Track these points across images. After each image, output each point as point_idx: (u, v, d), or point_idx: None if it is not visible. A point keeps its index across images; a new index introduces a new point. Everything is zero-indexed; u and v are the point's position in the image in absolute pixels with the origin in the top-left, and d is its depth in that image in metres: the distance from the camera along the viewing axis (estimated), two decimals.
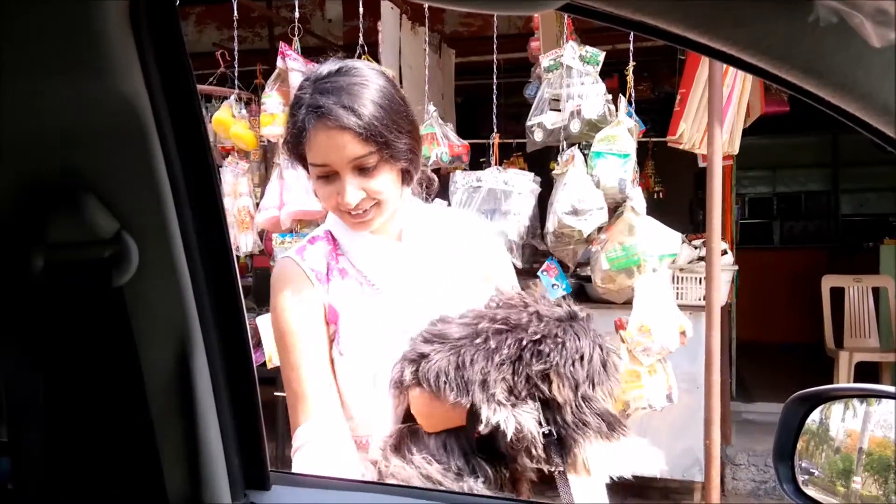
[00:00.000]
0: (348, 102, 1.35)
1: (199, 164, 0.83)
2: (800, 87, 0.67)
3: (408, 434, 1.36)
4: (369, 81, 1.39)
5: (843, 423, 1.03)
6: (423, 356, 1.32)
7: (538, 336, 1.27)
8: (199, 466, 0.80)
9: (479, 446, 1.33)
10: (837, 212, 9.88)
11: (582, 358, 1.27)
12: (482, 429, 1.26)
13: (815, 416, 1.03)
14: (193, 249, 0.82)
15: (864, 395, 1.03)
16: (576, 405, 1.25)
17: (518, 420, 1.25)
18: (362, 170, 1.39)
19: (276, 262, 1.58)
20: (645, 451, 1.36)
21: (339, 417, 1.44)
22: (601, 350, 1.30)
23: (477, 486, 1.29)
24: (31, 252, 0.75)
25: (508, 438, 1.25)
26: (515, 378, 1.26)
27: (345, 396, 1.45)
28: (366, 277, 1.50)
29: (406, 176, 1.48)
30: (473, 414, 1.27)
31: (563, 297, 3.42)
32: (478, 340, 1.29)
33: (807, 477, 1.01)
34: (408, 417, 1.39)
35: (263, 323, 3.37)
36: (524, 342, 1.26)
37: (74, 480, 0.83)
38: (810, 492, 1.00)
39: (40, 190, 0.76)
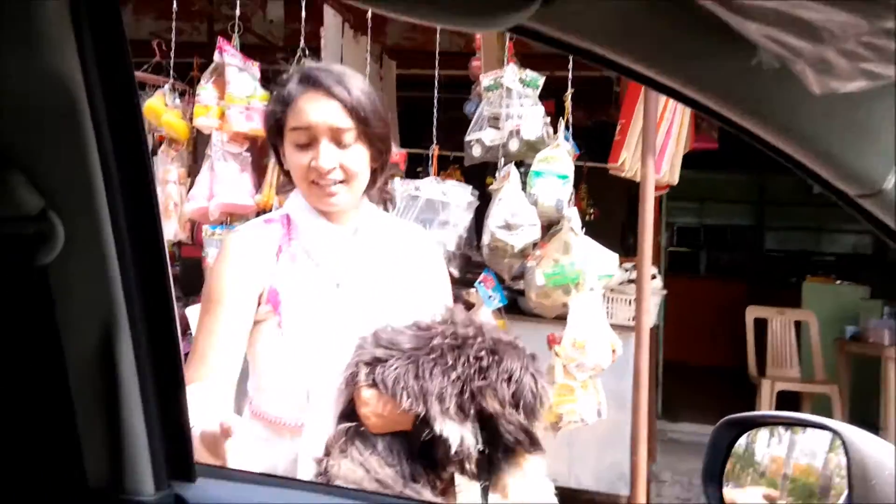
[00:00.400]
0: (338, 78, 1.48)
1: (132, 147, 0.81)
2: (741, 126, 0.68)
3: (355, 434, 1.35)
4: (356, 76, 1.54)
5: (769, 448, 1.06)
6: (380, 360, 1.35)
7: (482, 354, 1.34)
8: (122, 455, 0.78)
9: (418, 453, 1.35)
10: (762, 246, 10.25)
11: (513, 379, 1.34)
12: (426, 437, 1.30)
13: (742, 440, 1.06)
14: (123, 233, 0.79)
15: (791, 424, 1.06)
16: (506, 422, 1.32)
17: (462, 434, 1.30)
18: (339, 142, 1.47)
19: (228, 234, 1.61)
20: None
21: (230, 394, 1.47)
22: (531, 373, 1.37)
23: (425, 492, 1.32)
24: None
25: (452, 451, 1.30)
26: (464, 394, 1.32)
27: (281, 376, 1.47)
28: (318, 264, 1.52)
29: (374, 172, 1.56)
30: (424, 422, 1.31)
31: (499, 310, 3.44)
32: (433, 355, 1.33)
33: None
34: (348, 416, 1.39)
35: (192, 313, 3.29)
36: (471, 359, 1.33)
37: None
38: None
39: None
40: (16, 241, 0.74)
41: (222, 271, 1.50)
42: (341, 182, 1.48)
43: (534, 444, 1.35)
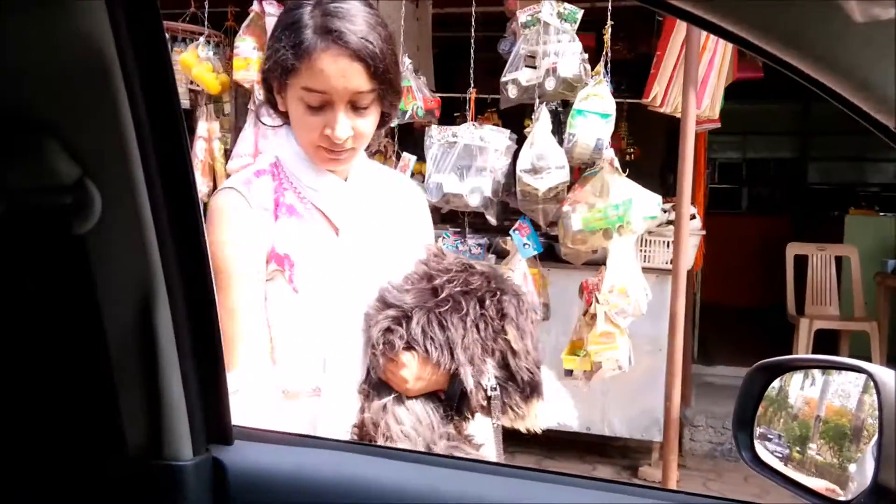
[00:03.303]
0: (363, 33, 1.31)
1: (164, 108, 0.80)
2: (779, 58, 0.66)
3: (394, 403, 1.33)
4: (376, 17, 1.36)
5: (802, 391, 1.05)
6: (402, 320, 1.32)
7: (496, 293, 1.34)
8: (161, 420, 0.79)
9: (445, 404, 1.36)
10: (805, 180, 10.01)
11: (526, 310, 1.37)
12: (459, 390, 1.31)
13: (775, 384, 1.05)
14: (159, 198, 0.79)
15: (825, 366, 1.04)
16: (526, 355, 1.34)
17: (487, 379, 1.32)
18: (356, 106, 1.35)
19: (217, 193, 1.44)
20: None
21: (268, 366, 1.37)
22: (527, 309, 1.38)
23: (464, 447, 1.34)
24: None
25: (479, 398, 1.32)
26: (485, 337, 1.32)
27: (299, 342, 1.37)
28: (319, 213, 1.43)
29: (383, 121, 1.45)
30: (455, 376, 1.31)
31: (535, 258, 3.43)
32: (447, 306, 1.32)
33: (764, 443, 1.03)
34: (374, 385, 1.36)
35: None
36: (486, 301, 1.33)
37: (32, 429, 0.82)
38: (767, 459, 1.02)
39: (1, 133, 0.73)
40: (54, 211, 0.74)
41: (225, 239, 1.36)
42: (351, 148, 1.38)
43: (538, 384, 1.36)
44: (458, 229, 3.78)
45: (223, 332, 1.39)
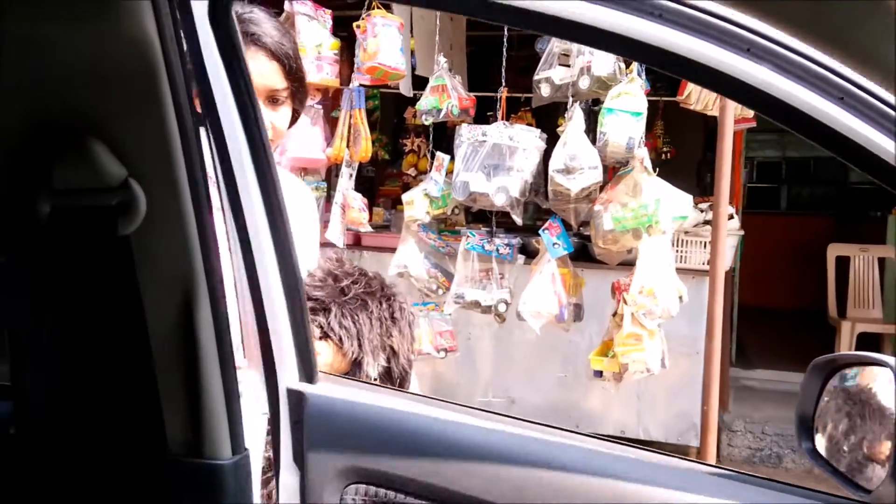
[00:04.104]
0: (277, 36, 1.43)
1: (210, 112, 0.82)
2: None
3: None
4: (281, 24, 1.50)
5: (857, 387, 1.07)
6: (325, 310, 1.44)
7: (389, 298, 1.51)
8: (201, 420, 0.80)
9: None
10: (846, 179, 9.81)
11: (407, 315, 1.53)
12: (365, 377, 1.46)
13: (835, 381, 1.07)
14: (201, 199, 0.81)
15: (878, 364, 1.06)
16: (404, 355, 1.51)
17: (378, 371, 1.48)
18: (273, 102, 1.45)
19: None
20: None
21: None
22: (409, 312, 1.56)
23: None
24: (40, 195, 0.75)
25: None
26: (381, 334, 1.48)
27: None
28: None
29: (293, 119, 1.55)
30: (358, 365, 1.45)
31: (565, 258, 3.40)
32: (355, 304, 1.46)
33: (823, 439, 1.05)
34: None
35: None
36: (382, 304, 1.50)
37: (76, 426, 0.83)
38: (823, 452, 1.04)
39: (49, 133, 0.75)
40: (100, 211, 0.76)
41: None
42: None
43: (407, 384, 1.52)
44: (488, 229, 3.77)
45: None
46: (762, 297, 6.69)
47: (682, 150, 5.46)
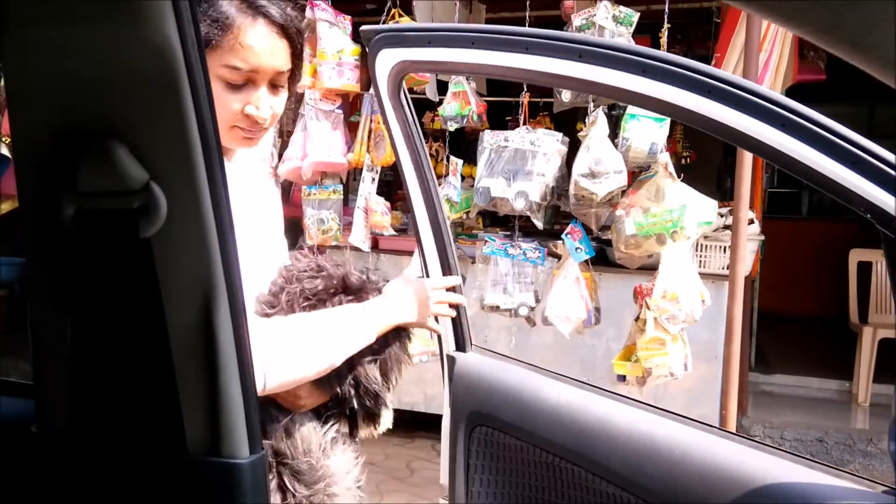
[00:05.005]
0: (286, 10, 1.28)
1: None
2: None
3: (292, 424, 1.33)
4: None
5: None
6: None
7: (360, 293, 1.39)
8: (219, 419, 0.81)
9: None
10: None
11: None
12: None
13: None
14: (221, 203, 0.81)
15: None
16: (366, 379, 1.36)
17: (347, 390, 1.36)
18: (274, 85, 1.31)
19: None
20: None
21: None
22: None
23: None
24: (63, 198, 0.76)
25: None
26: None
27: None
28: None
29: (287, 103, 1.44)
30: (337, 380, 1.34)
31: (587, 262, 3.40)
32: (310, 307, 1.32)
33: None
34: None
35: None
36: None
37: (97, 426, 0.84)
38: None
39: (72, 137, 0.76)
40: (122, 214, 0.77)
41: None
42: (265, 128, 1.33)
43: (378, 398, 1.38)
44: (506, 232, 3.78)
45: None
46: (783, 302, 6.63)
47: (702, 155, 5.44)
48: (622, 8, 3.34)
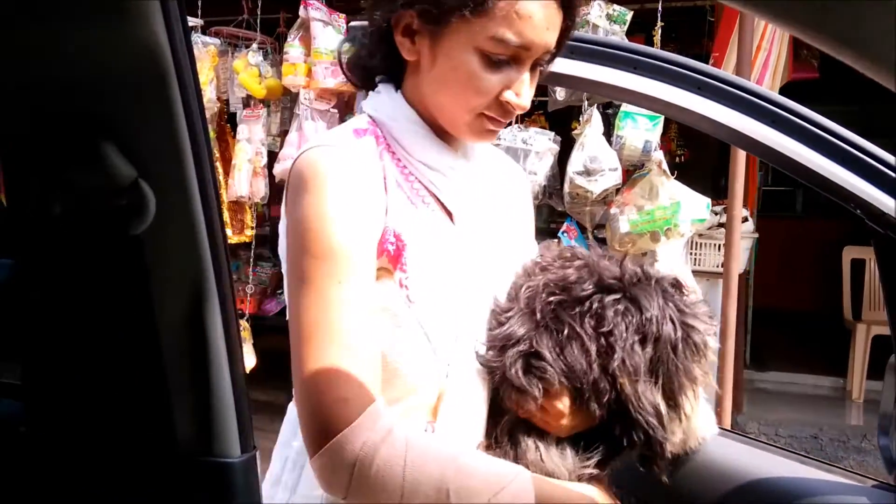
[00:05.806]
0: None
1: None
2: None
3: (544, 446, 1.09)
4: None
5: None
6: (535, 354, 1.03)
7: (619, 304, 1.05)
8: (210, 418, 0.81)
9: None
10: None
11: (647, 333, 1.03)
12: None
13: None
14: (211, 201, 0.81)
15: None
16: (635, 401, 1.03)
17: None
18: (535, 67, 1.06)
19: (312, 153, 1.05)
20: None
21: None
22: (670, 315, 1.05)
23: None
24: (51, 196, 0.76)
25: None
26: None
27: (409, 364, 1.04)
28: (431, 196, 1.10)
29: None
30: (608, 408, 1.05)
31: None
32: (592, 321, 1.03)
33: None
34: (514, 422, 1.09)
35: None
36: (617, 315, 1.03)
37: (87, 425, 0.84)
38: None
39: (60, 135, 0.76)
40: (110, 212, 0.77)
41: (335, 215, 0.99)
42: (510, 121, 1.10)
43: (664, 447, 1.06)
44: None
45: (326, 341, 0.98)
46: (777, 299, 6.64)
47: (696, 153, 5.44)
48: (616, 6, 3.35)
